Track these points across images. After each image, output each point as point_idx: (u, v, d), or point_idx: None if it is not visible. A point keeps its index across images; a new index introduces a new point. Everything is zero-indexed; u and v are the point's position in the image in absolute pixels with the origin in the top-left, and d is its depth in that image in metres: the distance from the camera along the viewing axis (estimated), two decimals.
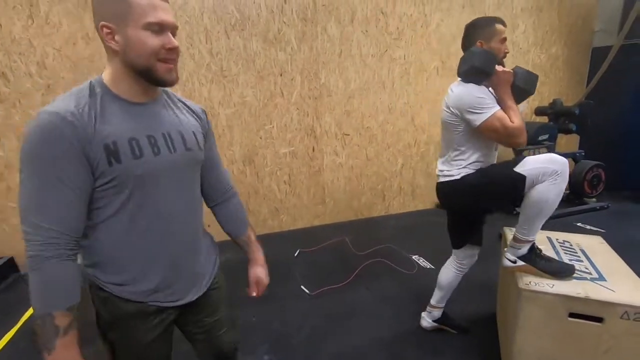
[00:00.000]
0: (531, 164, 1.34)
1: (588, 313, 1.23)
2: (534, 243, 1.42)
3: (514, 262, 1.43)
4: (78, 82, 0.87)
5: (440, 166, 1.62)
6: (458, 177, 1.53)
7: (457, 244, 1.76)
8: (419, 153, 3.73)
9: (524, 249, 1.41)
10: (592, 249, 1.59)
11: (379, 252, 2.80)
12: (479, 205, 1.61)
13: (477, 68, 1.38)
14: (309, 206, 3.46)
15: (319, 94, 3.23)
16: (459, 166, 1.53)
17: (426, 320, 1.91)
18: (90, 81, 0.80)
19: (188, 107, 0.97)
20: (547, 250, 1.58)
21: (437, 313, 1.88)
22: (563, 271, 1.36)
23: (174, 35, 0.80)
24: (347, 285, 2.36)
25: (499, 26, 1.45)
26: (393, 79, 3.44)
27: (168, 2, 0.80)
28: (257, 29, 2.94)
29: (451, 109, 1.47)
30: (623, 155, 3.93)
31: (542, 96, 4.02)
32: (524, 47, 3.85)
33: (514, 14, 3.71)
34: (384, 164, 3.63)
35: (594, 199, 3.77)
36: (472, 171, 1.51)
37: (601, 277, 1.34)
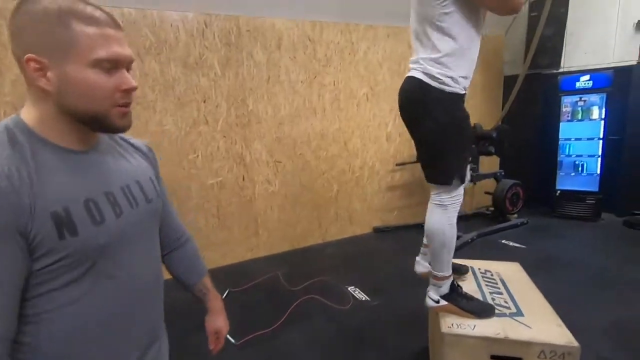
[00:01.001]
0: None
1: (508, 354, 1.20)
2: (455, 281, 1.38)
3: (437, 301, 1.37)
4: None
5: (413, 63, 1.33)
6: (449, 89, 1.24)
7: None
8: (353, 178, 3.71)
9: (445, 287, 1.36)
10: (510, 278, 1.60)
11: (313, 287, 2.65)
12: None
13: None
14: (241, 239, 3.24)
15: (247, 120, 3.08)
16: (448, 70, 1.23)
17: (431, 298, 1.49)
18: (5, 124, 0.58)
19: (134, 146, 0.79)
20: (470, 283, 1.56)
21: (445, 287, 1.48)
22: (484, 311, 1.32)
23: (128, 70, 0.63)
24: (277, 330, 2.17)
25: None
26: (324, 104, 3.42)
27: (122, 30, 0.62)
28: (176, 54, 2.74)
29: None
30: (537, 173, 4.29)
31: None
32: None
33: None
34: (319, 191, 3.54)
35: (515, 215, 4.03)
36: (462, 92, 1.26)
37: (519, 312, 1.33)
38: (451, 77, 1.24)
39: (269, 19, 3.03)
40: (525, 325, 1.24)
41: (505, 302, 1.40)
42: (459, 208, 1.39)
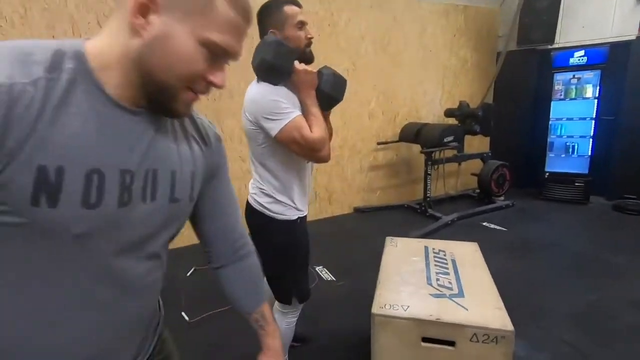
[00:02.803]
0: None
1: (440, 337, 1.12)
2: None
3: None
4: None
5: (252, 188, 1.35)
6: (275, 216, 1.26)
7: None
8: (333, 157, 3.57)
9: None
10: (464, 258, 1.51)
11: None
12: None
13: (268, 63, 1.09)
14: None
15: (218, 95, 2.96)
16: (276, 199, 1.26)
17: None
18: (61, 45, 0.46)
19: (199, 131, 0.64)
20: (419, 262, 1.48)
21: None
22: None
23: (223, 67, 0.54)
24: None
25: (288, 8, 1.13)
26: None
27: (250, 26, 0.53)
28: None
29: (247, 114, 1.19)
30: (526, 154, 4.15)
31: (453, 98, 4.11)
32: (434, 50, 3.90)
33: (423, 15, 3.74)
34: None
35: (502, 198, 3.91)
36: (293, 217, 1.27)
37: (460, 293, 1.24)
38: (280, 203, 1.25)
39: None
40: (463, 307, 1.16)
41: (449, 282, 1.32)
42: (298, 314, 1.42)
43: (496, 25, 4.23)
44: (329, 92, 1.19)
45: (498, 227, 3.24)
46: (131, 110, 0.50)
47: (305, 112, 1.18)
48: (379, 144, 3.69)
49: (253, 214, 1.29)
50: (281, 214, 1.25)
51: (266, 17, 1.15)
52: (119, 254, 0.52)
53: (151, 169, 0.53)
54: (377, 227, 3.37)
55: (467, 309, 1.15)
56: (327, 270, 2.55)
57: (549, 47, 3.77)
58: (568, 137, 3.77)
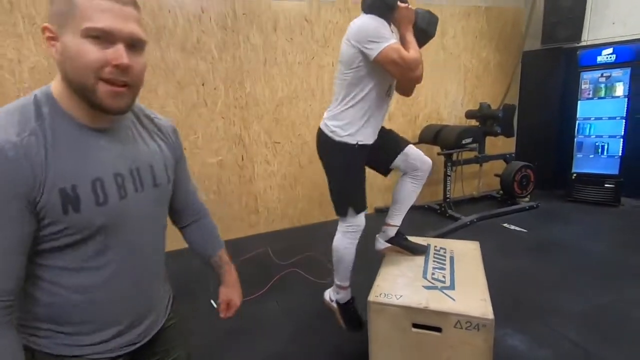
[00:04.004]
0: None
1: (428, 323, 1.25)
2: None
3: (332, 300, 1.71)
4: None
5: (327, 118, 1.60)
6: (338, 139, 1.51)
7: (386, 170, 1.76)
8: None
9: (342, 296, 1.66)
10: (461, 256, 1.61)
11: (299, 262, 2.78)
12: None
13: (380, 0, 1.36)
14: (242, 216, 3.42)
15: (245, 103, 3.20)
16: (344, 124, 1.50)
17: (379, 241, 1.84)
18: (35, 94, 0.62)
19: (158, 127, 0.81)
20: (419, 257, 1.61)
21: (391, 232, 1.79)
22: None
23: (133, 48, 0.62)
24: (258, 298, 2.33)
25: None
26: (323, 86, 3.45)
27: (136, 8, 0.63)
28: (175, 39, 2.89)
29: (351, 41, 1.42)
30: (553, 154, 4.06)
31: (476, 99, 4.11)
32: (454, 52, 3.93)
33: (443, 19, 3.77)
34: (318, 171, 3.59)
35: (526, 199, 3.87)
36: (352, 142, 1.51)
37: (451, 286, 1.36)
38: (349, 133, 1.50)
39: (264, 1, 3.09)
40: (450, 297, 1.28)
41: (443, 277, 1.43)
42: (357, 236, 1.67)
43: (520, 25, 4.18)
44: (424, 27, 1.44)
45: (518, 229, 3.23)
46: (100, 129, 0.66)
47: (403, 42, 1.41)
48: None
49: (322, 137, 1.59)
50: (346, 139, 1.51)
51: None
52: (132, 232, 0.71)
53: (135, 167, 0.71)
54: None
55: (454, 300, 1.27)
56: None
57: (576, 45, 3.69)
58: (597, 136, 3.67)
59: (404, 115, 3.84)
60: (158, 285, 0.84)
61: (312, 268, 2.67)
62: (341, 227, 1.65)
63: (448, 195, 3.61)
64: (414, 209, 3.98)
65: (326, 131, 1.55)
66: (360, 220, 1.64)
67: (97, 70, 0.59)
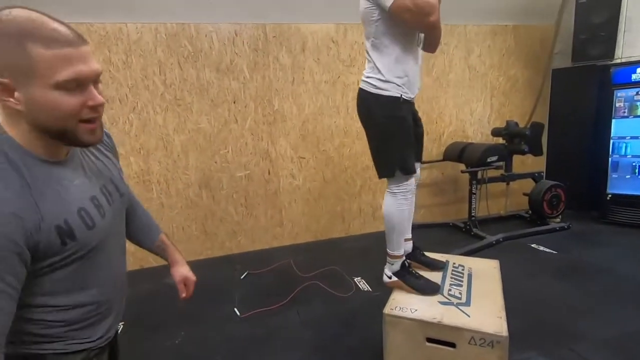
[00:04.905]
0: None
1: (442, 338, 1.27)
2: (405, 260, 1.49)
3: (390, 277, 1.52)
4: None
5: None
6: (380, 92, 1.47)
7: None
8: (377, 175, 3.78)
9: (396, 265, 1.50)
10: (479, 274, 1.62)
11: (321, 275, 2.83)
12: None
13: None
14: (267, 228, 3.53)
15: (273, 119, 3.36)
16: (383, 74, 1.46)
17: (385, 274, 1.67)
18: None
19: (102, 141, 0.86)
20: (437, 275, 1.62)
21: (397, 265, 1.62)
22: (427, 289, 1.45)
23: (96, 84, 0.65)
24: (280, 308, 2.40)
25: None
26: (347, 103, 3.56)
27: (87, 43, 0.63)
28: (210, 60, 3.11)
29: None
30: (586, 174, 3.92)
31: (503, 117, 4.07)
32: (480, 70, 3.94)
33: (468, 38, 3.82)
34: (343, 186, 3.70)
35: (557, 219, 3.74)
36: (397, 94, 1.46)
37: (467, 303, 1.38)
38: (387, 82, 1.45)
39: (294, 25, 3.26)
40: (465, 314, 1.29)
41: (460, 293, 1.45)
42: (410, 196, 1.55)
43: (549, 42, 4.13)
44: None
45: (547, 250, 3.13)
46: (63, 161, 0.70)
47: None
48: (422, 162, 3.79)
49: (362, 93, 1.57)
50: (387, 91, 1.47)
51: None
52: (112, 238, 0.80)
53: (101, 185, 0.78)
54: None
55: (469, 316, 1.29)
56: (364, 282, 2.73)
57: (609, 62, 3.60)
58: (634, 156, 3.52)
59: (428, 133, 3.85)
60: (125, 283, 0.91)
61: (334, 281, 2.72)
62: (390, 189, 1.55)
63: (473, 214, 3.57)
64: (437, 226, 3.99)
65: (366, 87, 1.52)
66: (411, 181, 1.54)
67: (77, 115, 0.63)
